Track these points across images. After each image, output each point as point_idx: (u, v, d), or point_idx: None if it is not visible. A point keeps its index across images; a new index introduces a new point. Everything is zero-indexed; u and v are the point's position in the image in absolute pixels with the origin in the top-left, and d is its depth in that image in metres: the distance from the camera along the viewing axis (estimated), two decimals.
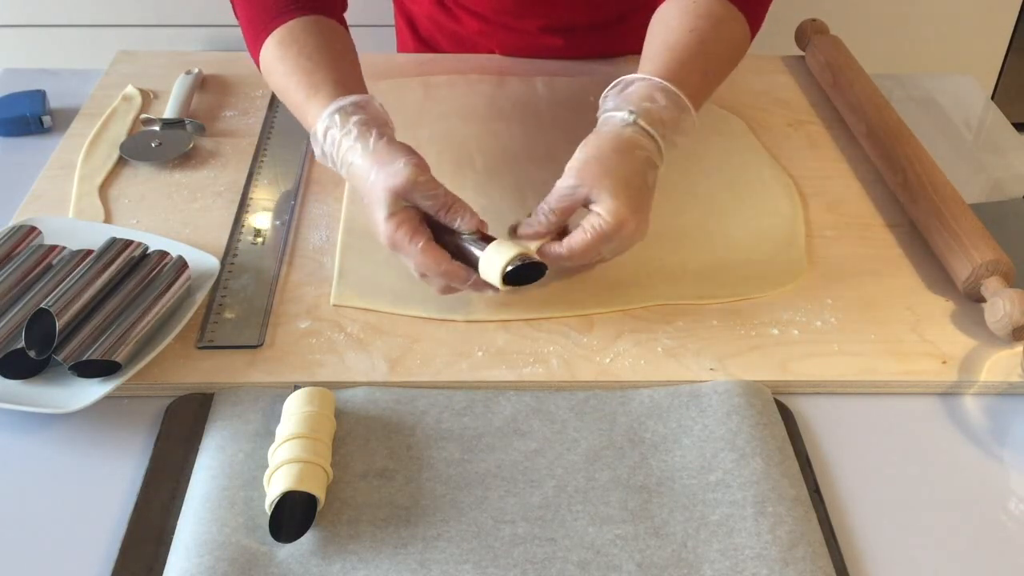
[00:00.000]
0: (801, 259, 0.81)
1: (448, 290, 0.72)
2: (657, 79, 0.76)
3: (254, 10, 0.82)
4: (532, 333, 0.73)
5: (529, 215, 0.74)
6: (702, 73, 0.79)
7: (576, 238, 0.71)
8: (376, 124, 0.73)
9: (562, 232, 0.73)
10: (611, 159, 0.72)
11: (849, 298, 0.77)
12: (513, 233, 0.74)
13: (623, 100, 0.76)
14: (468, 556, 0.57)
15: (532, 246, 0.71)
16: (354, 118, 0.73)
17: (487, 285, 0.70)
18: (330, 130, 0.73)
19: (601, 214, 0.71)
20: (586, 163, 0.72)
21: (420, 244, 0.69)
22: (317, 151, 0.76)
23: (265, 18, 0.81)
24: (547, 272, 0.71)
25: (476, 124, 0.97)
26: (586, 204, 0.72)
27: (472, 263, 0.70)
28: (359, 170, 0.72)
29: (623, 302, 0.76)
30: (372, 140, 0.72)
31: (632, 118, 0.73)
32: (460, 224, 0.70)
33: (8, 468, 0.63)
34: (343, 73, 0.77)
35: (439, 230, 0.71)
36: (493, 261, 0.69)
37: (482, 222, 0.72)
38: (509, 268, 0.68)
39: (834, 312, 0.76)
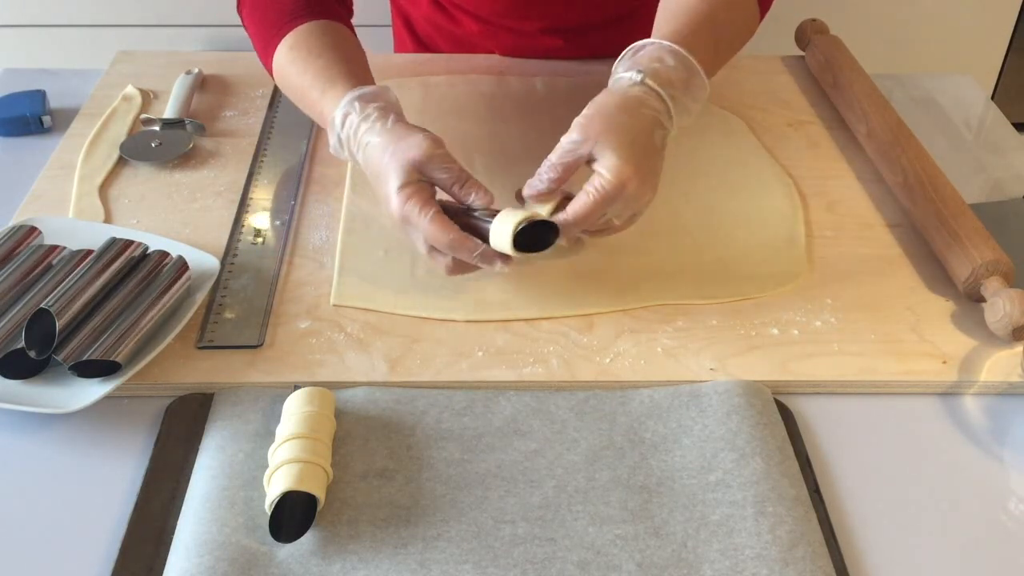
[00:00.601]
0: (801, 259, 0.81)
1: (457, 268, 0.72)
2: (666, 42, 0.75)
3: (264, 18, 0.84)
4: (532, 333, 0.73)
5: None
6: (712, 41, 0.79)
7: (579, 202, 0.70)
8: (394, 110, 0.75)
9: (564, 204, 0.73)
10: (616, 116, 0.71)
11: (849, 298, 0.77)
12: (519, 199, 0.74)
13: (633, 63, 0.75)
14: (468, 556, 0.57)
15: (542, 211, 0.71)
16: (373, 104, 0.75)
17: (497, 256, 0.70)
18: (349, 116, 0.75)
19: (602, 173, 0.70)
20: (591, 118, 0.71)
21: (430, 214, 0.70)
22: (332, 139, 0.77)
23: (276, 25, 0.82)
24: (559, 237, 0.70)
25: (476, 124, 0.97)
26: (589, 162, 0.71)
27: (484, 240, 0.70)
28: (376, 148, 0.73)
29: (623, 302, 0.76)
30: (391, 121, 0.74)
31: (640, 77, 0.73)
32: (474, 199, 0.71)
33: (8, 468, 0.63)
34: (356, 69, 0.80)
35: (449, 212, 0.72)
36: (502, 227, 0.69)
37: (493, 200, 0.72)
38: (519, 229, 0.68)
39: (834, 312, 0.76)
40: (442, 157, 0.71)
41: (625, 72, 0.74)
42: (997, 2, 1.85)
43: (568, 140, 0.71)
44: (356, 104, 0.75)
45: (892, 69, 1.11)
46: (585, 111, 0.72)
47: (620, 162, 0.69)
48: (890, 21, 1.84)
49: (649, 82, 0.73)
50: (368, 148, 0.73)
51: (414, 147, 0.71)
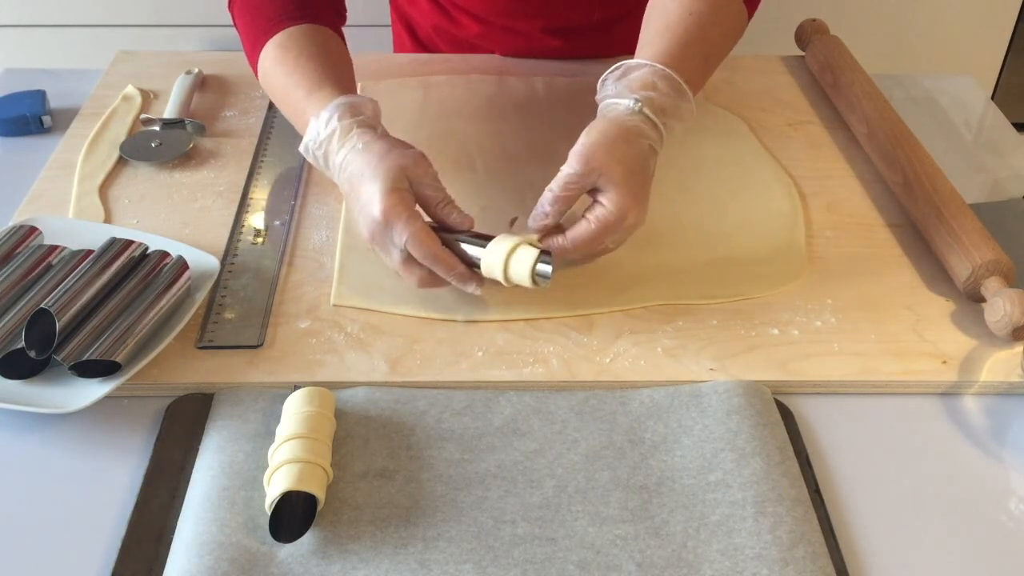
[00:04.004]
0: (801, 259, 0.81)
1: (429, 282, 0.72)
2: (658, 65, 0.76)
3: (254, 18, 0.84)
4: (532, 333, 0.73)
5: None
6: (701, 58, 0.80)
7: (580, 229, 0.71)
8: (379, 124, 0.76)
9: (561, 226, 0.73)
10: (618, 147, 0.72)
11: (849, 298, 0.77)
12: (511, 226, 0.74)
13: (624, 87, 0.76)
14: (468, 556, 0.57)
15: (533, 238, 0.71)
16: (361, 115, 0.75)
17: (472, 278, 0.70)
18: (339, 119, 0.74)
19: (605, 204, 0.71)
20: (593, 149, 0.71)
21: (416, 222, 0.69)
22: (311, 136, 0.75)
23: (265, 25, 0.82)
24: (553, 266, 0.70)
25: (476, 124, 0.97)
26: (590, 191, 0.72)
27: (463, 261, 0.71)
28: (365, 153, 0.72)
29: (623, 302, 0.76)
30: (379, 132, 0.74)
31: (638, 107, 0.73)
32: (455, 219, 0.71)
33: (8, 468, 0.63)
34: (343, 76, 0.80)
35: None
36: (497, 251, 0.69)
37: (473, 224, 0.72)
38: (534, 263, 0.69)
39: (834, 312, 0.76)
40: (432, 175, 0.72)
41: (620, 99, 0.75)
42: (997, 2, 1.85)
43: (570, 171, 0.71)
44: (346, 108, 0.74)
45: (892, 69, 1.11)
46: (585, 139, 0.72)
47: (623, 195, 0.71)
48: (890, 21, 1.84)
49: (647, 112, 0.74)
50: (356, 150, 0.73)
51: (407, 157, 0.71)
